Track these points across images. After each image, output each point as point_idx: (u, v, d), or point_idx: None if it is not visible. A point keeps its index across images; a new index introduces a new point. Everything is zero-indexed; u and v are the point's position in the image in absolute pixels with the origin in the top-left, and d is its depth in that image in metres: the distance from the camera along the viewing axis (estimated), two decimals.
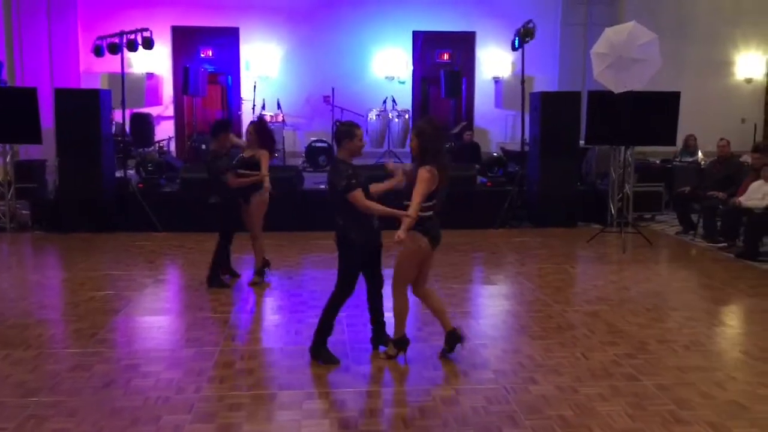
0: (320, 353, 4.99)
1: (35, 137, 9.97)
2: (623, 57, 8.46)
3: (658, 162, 12.51)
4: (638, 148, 11.04)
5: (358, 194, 4.74)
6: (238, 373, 4.82)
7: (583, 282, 7.54)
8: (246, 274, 7.35)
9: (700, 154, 12.71)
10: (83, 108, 9.87)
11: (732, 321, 6.40)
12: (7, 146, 10.30)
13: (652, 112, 9.95)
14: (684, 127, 10.95)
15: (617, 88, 8.65)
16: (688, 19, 14.85)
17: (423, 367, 4.96)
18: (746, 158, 10.39)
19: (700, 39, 14.83)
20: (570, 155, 10.64)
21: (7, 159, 10.32)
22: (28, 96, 9.88)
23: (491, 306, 6.71)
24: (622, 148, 10.17)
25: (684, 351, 5.31)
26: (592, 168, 11.83)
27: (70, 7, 13.78)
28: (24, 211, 10.56)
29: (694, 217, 9.99)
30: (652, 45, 8.50)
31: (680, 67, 14.08)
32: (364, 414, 4.22)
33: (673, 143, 10.60)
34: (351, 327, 5.77)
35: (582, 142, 10.97)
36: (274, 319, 6.16)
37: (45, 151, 11.85)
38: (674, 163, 12.55)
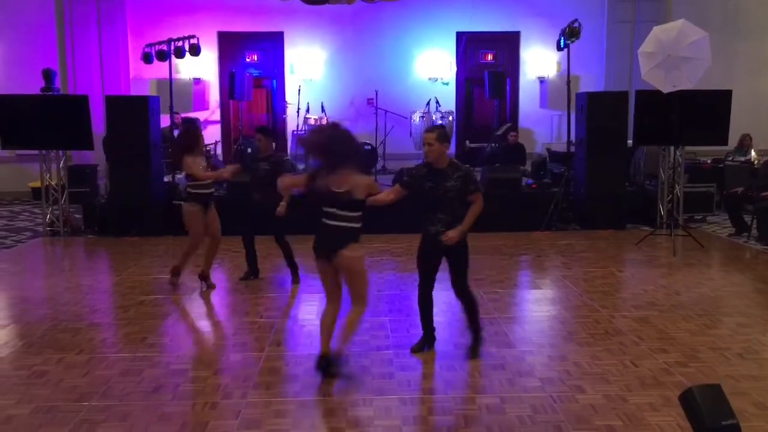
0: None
1: (87, 143, 10.23)
2: (672, 56, 8.27)
3: (709, 162, 12.22)
4: (688, 148, 10.80)
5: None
6: (284, 379, 4.86)
7: (632, 286, 7.40)
8: (280, 278, 7.44)
9: (753, 153, 12.36)
10: (133, 114, 10.11)
11: None
12: (61, 152, 10.60)
13: (703, 111, 9.72)
14: (736, 126, 10.65)
15: (666, 88, 8.47)
16: (738, 13, 14.43)
17: (468, 374, 4.93)
18: None
19: (752, 34, 14.41)
20: (617, 156, 10.45)
21: (61, 164, 10.61)
22: (80, 103, 10.14)
23: (537, 311, 6.63)
24: (672, 148, 9.96)
25: (737, 359, 5.17)
26: (640, 168, 11.61)
27: (120, 17, 14.10)
28: (77, 216, 10.86)
29: (747, 219, 9.72)
30: (702, 43, 8.29)
31: (731, 63, 13.70)
32: (408, 422, 4.20)
33: (724, 143, 10.32)
34: (395, 332, 5.77)
35: (630, 143, 10.77)
36: (319, 323, 6.18)
37: (97, 156, 12.17)
38: (726, 162, 12.24)
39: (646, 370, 4.94)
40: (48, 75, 11.36)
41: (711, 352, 5.30)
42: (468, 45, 14.64)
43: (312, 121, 13.60)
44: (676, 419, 4.16)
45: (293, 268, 7.41)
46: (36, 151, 10.60)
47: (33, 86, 11.26)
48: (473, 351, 5.24)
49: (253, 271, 7.54)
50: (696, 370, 4.92)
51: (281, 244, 7.29)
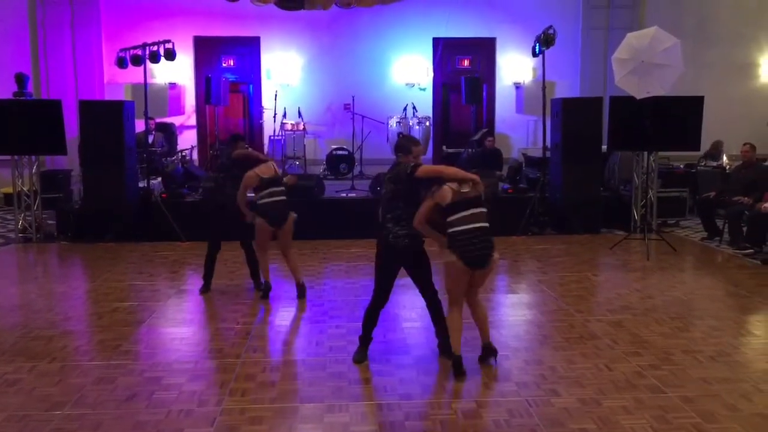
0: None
1: (60, 148, 10.12)
2: (645, 62, 8.40)
3: (681, 167, 12.38)
4: (661, 153, 10.95)
5: None
6: (260, 386, 4.83)
7: (606, 290, 7.47)
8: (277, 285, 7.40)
9: (724, 158, 12.55)
10: (107, 119, 10.02)
11: (759, 330, 6.26)
12: (33, 157, 10.46)
13: (676, 117, 9.87)
14: (708, 131, 10.81)
15: (639, 94, 8.59)
16: (710, 20, 14.66)
17: (444, 378, 4.95)
18: None
19: (724, 41, 14.65)
20: (592, 161, 10.57)
21: (33, 170, 10.48)
22: (53, 108, 10.03)
23: (513, 316, 6.67)
24: (645, 153, 10.09)
25: (709, 362, 5.24)
26: (614, 174, 11.74)
27: (94, 20, 13.96)
28: (50, 222, 10.73)
29: (719, 223, 9.86)
30: (674, 50, 8.43)
31: (703, 70, 13.92)
32: (384, 427, 4.21)
33: (697, 148, 10.48)
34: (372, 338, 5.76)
35: (605, 148, 10.89)
36: (296, 330, 6.18)
37: (70, 161, 12.04)
38: (698, 167, 12.41)
39: (619, 373, 4.99)
40: (20, 79, 11.21)
41: (683, 355, 5.36)
42: (444, 51, 14.71)
43: (289, 127, 13.58)
44: (649, 422, 4.21)
45: (257, 277, 7.31)
46: (8, 156, 10.46)
47: (5, 91, 11.13)
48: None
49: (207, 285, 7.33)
50: (669, 373, 4.98)
51: (246, 251, 7.26)
